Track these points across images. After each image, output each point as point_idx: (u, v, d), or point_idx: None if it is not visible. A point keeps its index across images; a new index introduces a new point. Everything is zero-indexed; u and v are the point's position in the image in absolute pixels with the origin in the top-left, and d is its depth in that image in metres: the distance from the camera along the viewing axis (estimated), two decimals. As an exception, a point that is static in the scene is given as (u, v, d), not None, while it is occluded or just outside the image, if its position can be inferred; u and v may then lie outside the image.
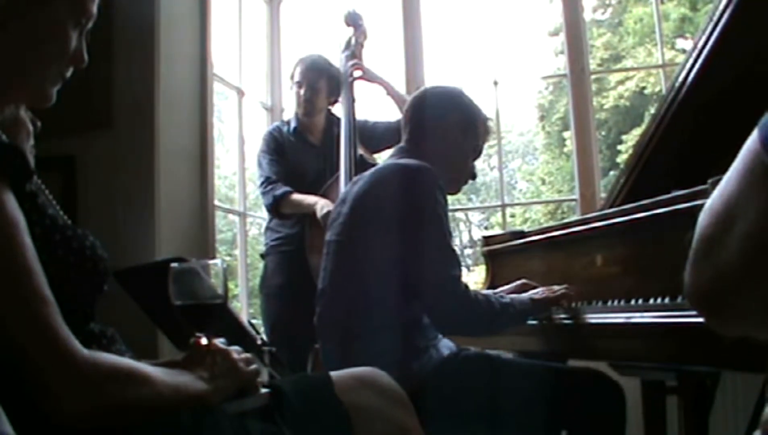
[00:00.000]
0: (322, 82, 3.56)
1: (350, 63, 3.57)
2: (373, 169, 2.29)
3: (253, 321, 3.15)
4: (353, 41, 3.63)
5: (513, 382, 2.05)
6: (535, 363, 2.18)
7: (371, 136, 3.58)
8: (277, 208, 3.41)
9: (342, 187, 3.32)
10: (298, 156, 3.53)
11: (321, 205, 3.27)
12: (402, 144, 2.37)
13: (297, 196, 3.37)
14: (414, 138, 2.34)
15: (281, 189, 3.39)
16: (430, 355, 2.11)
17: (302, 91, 3.56)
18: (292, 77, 3.61)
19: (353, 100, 3.54)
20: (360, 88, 3.60)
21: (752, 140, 0.80)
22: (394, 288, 2.08)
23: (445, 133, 2.29)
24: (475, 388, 2.04)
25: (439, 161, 2.23)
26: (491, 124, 2.40)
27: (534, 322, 2.25)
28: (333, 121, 3.60)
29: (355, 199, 2.21)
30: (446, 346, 2.19)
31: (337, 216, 2.28)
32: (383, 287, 2.09)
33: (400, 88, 4.00)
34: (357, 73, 3.57)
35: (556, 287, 2.19)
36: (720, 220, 0.83)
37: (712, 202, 0.85)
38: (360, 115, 3.56)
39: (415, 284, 2.07)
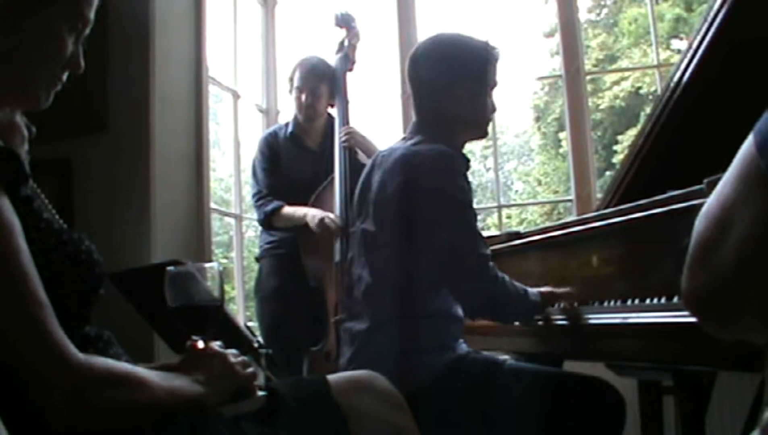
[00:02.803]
0: (324, 87, 3.54)
1: (343, 132, 3.48)
2: (393, 157, 2.20)
3: (250, 324, 3.16)
4: (346, 43, 3.62)
5: (514, 387, 2.04)
6: (538, 369, 2.18)
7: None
8: (269, 223, 3.42)
9: (337, 189, 3.32)
10: (293, 162, 3.51)
11: (311, 214, 3.26)
12: (415, 119, 2.32)
13: (288, 210, 3.37)
14: (423, 110, 2.29)
15: (272, 204, 3.38)
16: (450, 355, 2.13)
17: (304, 97, 3.52)
18: (290, 81, 3.59)
19: (347, 102, 3.53)
20: (356, 90, 3.60)
21: (748, 145, 0.80)
22: (423, 278, 2.09)
23: (455, 91, 2.22)
24: (477, 393, 2.04)
25: (458, 118, 2.23)
26: (496, 51, 2.28)
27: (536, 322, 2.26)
28: (332, 124, 3.57)
29: (378, 189, 2.18)
30: (463, 349, 2.20)
31: (364, 202, 2.26)
32: (412, 277, 2.10)
33: (395, 89, 4.01)
34: (351, 141, 3.46)
35: (560, 289, 2.19)
36: (716, 225, 0.83)
37: (708, 207, 0.85)
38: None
39: (446, 272, 2.07)
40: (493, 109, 2.32)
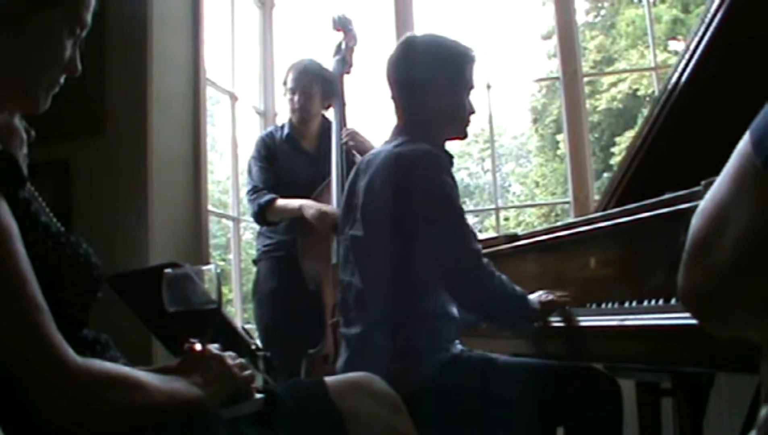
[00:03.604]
0: (316, 87, 3.54)
1: (345, 132, 3.48)
2: (378, 160, 2.23)
3: (247, 326, 3.16)
4: (344, 45, 3.62)
5: (510, 381, 2.05)
6: (532, 362, 2.18)
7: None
8: (263, 215, 3.40)
9: (334, 191, 3.32)
10: (289, 162, 3.52)
11: (308, 205, 3.26)
12: (396, 122, 2.33)
13: (281, 202, 3.36)
14: (405, 113, 2.31)
15: (266, 196, 3.37)
16: (444, 355, 2.13)
17: (296, 98, 3.53)
18: (285, 83, 3.60)
19: (344, 105, 3.53)
20: (352, 91, 3.59)
21: (744, 143, 0.80)
22: (415, 280, 2.10)
23: (434, 87, 2.24)
24: (475, 389, 2.04)
25: (438, 121, 2.25)
26: (473, 53, 2.31)
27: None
28: (328, 126, 3.58)
29: (365, 193, 2.20)
30: (457, 348, 2.21)
31: (350, 208, 2.27)
32: (404, 279, 2.10)
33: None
34: (350, 143, 3.45)
35: (558, 293, 2.19)
36: (712, 223, 0.83)
37: (704, 205, 0.86)
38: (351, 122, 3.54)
39: (440, 268, 2.08)
40: (472, 111, 2.33)
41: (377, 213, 2.16)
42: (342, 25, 3.64)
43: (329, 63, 3.61)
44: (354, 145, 3.42)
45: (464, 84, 2.30)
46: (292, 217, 3.35)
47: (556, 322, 2.17)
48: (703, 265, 0.84)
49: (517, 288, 2.13)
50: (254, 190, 3.43)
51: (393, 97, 2.33)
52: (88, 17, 1.28)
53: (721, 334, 0.93)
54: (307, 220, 3.24)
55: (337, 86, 3.55)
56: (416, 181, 2.11)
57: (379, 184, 2.16)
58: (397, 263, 2.11)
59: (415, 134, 2.23)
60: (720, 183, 0.84)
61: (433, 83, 2.24)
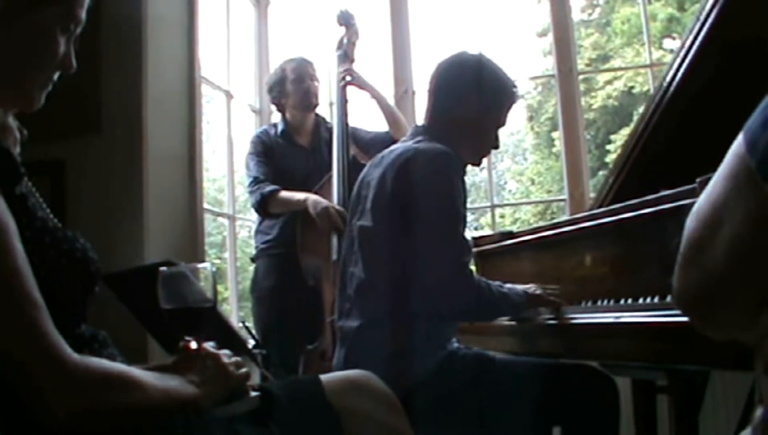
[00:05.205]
0: (316, 76, 3.62)
1: (342, 68, 3.57)
2: (394, 154, 2.25)
3: (247, 324, 3.16)
4: (345, 41, 3.64)
5: (507, 380, 2.06)
6: (529, 361, 2.19)
7: (357, 143, 3.57)
8: (265, 206, 3.39)
9: (335, 188, 3.32)
10: (286, 158, 3.53)
11: (312, 200, 3.26)
12: (423, 122, 2.37)
13: (285, 194, 3.36)
14: (434, 114, 2.33)
15: (269, 187, 3.37)
16: (441, 353, 2.14)
17: (315, 84, 3.59)
18: (281, 82, 3.59)
19: (346, 102, 3.53)
20: (351, 92, 3.59)
21: (737, 144, 0.80)
22: (416, 277, 2.09)
23: (465, 107, 2.26)
24: (471, 388, 2.05)
25: (460, 136, 2.25)
26: (517, 94, 2.36)
27: (524, 322, 2.26)
28: (320, 122, 3.63)
29: (377, 186, 2.21)
30: (453, 346, 2.21)
31: (360, 199, 2.28)
32: (406, 275, 2.10)
33: (389, 89, 4.01)
34: (348, 78, 3.55)
35: (549, 288, 2.20)
36: (707, 224, 0.83)
37: (699, 206, 0.86)
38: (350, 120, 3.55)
39: (428, 270, 2.08)
40: (494, 145, 2.37)
41: (387, 205, 2.17)
42: (345, 20, 3.67)
43: (329, 58, 3.65)
44: (353, 80, 3.51)
45: (496, 115, 2.33)
46: (294, 210, 3.35)
47: (551, 319, 2.17)
48: (698, 266, 0.85)
49: (497, 291, 2.14)
50: (256, 181, 3.43)
51: (428, 94, 2.36)
52: (82, 13, 1.27)
53: (716, 336, 0.93)
54: (308, 215, 3.25)
55: (337, 83, 3.57)
56: (425, 179, 2.12)
57: (392, 177, 2.17)
58: (399, 257, 2.11)
59: (435, 136, 2.25)
60: (714, 184, 0.84)
61: (469, 99, 2.26)
